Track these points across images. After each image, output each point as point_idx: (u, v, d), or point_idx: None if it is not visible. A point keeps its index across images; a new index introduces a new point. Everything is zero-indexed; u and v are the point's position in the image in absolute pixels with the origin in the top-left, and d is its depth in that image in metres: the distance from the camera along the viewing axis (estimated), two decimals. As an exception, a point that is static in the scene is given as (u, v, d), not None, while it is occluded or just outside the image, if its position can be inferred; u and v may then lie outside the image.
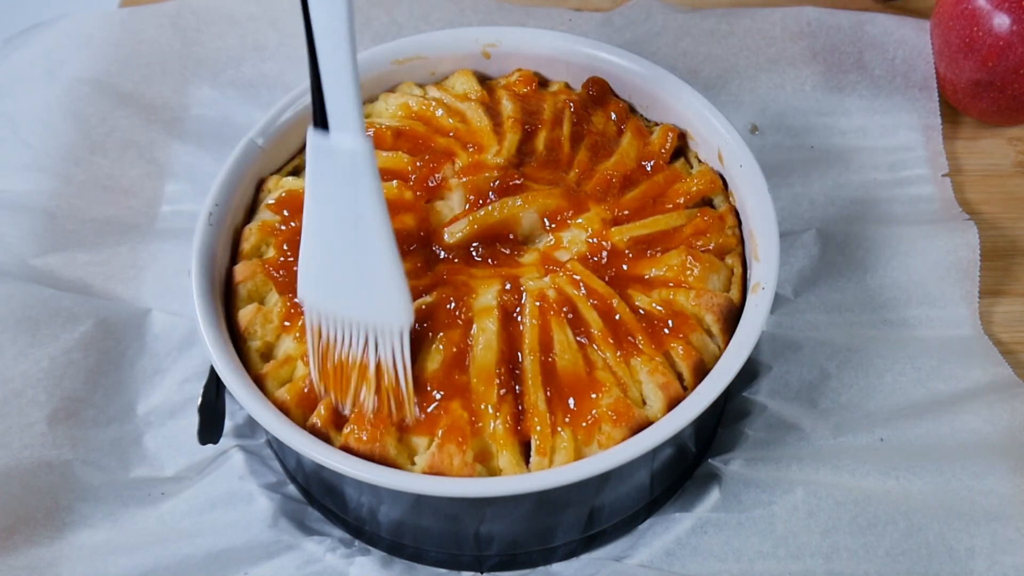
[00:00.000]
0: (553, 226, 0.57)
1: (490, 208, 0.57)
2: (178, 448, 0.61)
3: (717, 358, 0.54)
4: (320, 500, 0.59)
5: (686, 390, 0.53)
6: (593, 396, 0.52)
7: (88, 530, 0.58)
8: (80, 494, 0.59)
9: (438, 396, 0.51)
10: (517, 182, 0.58)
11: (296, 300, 0.51)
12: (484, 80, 0.66)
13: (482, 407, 0.51)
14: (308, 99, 0.63)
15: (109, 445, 0.61)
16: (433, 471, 0.50)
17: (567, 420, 0.51)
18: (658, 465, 0.56)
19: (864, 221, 0.70)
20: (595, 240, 0.56)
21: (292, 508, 0.59)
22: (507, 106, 0.63)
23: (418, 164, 0.60)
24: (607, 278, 0.56)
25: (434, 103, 0.63)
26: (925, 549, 0.56)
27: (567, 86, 0.66)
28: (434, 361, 0.52)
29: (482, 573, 0.57)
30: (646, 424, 0.52)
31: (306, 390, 0.53)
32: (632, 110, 0.65)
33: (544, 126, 0.62)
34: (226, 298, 0.58)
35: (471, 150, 0.60)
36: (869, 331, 0.65)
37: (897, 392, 0.62)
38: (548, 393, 0.52)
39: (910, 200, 0.72)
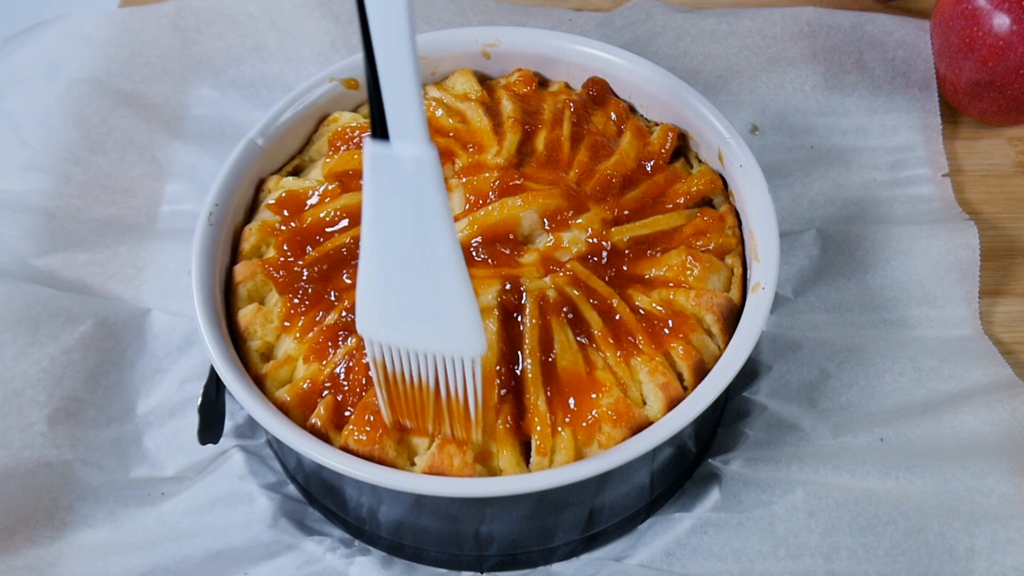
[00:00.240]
0: (553, 226, 0.57)
1: (490, 208, 0.57)
2: (178, 448, 0.61)
3: (717, 358, 0.54)
4: (320, 500, 0.59)
5: (686, 390, 0.53)
6: (593, 396, 0.52)
7: (88, 530, 0.58)
8: (80, 494, 0.59)
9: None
10: (517, 182, 0.58)
11: (359, 333, 0.47)
12: (484, 80, 0.66)
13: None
14: (308, 99, 0.64)
15: (109, 445, 0.61)
16: (433, 471, 0.50)
17: (567, 420, 0.51)
18: (658, 465, 0.56)
19: (864, 221, 0.70)
20: (595, 240, 0.56)
21: (292, 508, 0.59)
22: (507, 106, 0.63)
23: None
24: (607, 278, 0.56)
25: (434, 103, 0.63)
26: (925, 549, 0.56)
27: (567, 86, 0.66)
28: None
29: (482, 573, 0.57)
30: (646, 424, 0.52)
31: (306, 386, 0.53)
32: (632, 110, 0.65)
33: (544, 126, 0.62)
34: (226, 298, 0.58)
35: (471, 150, 0.60)
36: (869, 331, 0.65)
37: (897, 392, 0.62)
38: (548, 393, 0.52)
39: (910, 200, 0.72)
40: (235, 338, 0.56)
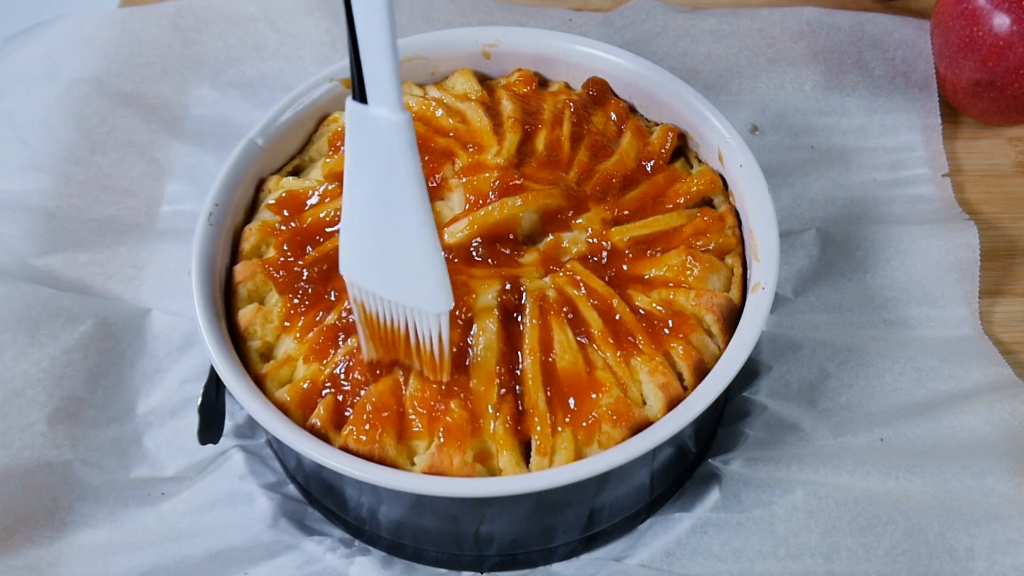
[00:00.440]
0: (553, 226, 0.57)
1: (490, 208, 0.57)
2: (178, 448, 0.61)
3: (717, 358, 0.54)
4: (320, 500, 0.59)
5: (686, 390, 0.53)
6: (593, 396, 0.52)
7: (88, 530, 0.58)
8: (80, 494, 0.59)
9: (438, 396, 0.51)
10: (517, 182, 0.58)
11: (340, 273, 0.50)
12: (484, 80, 0.66)
13: (482, 407, 0.51)
14: (308, 99, 0.64)
15: (109, 445, 0.61)
16: (433, 471, 0.50)
17: (567, 420, 0.51)
18: (658, 465, 0.56)
19: (864, 221, 0.70)
20: (595, 240, 0.56)
21: (292, 508, 0.59)
22: (507, 106, 0.63)
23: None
24: (607, 278, 0.56)
25: (434, 103, 0.63)
26: (925, 549, 0.56)
27: (567, 86, 0.66)
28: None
29: (482, 573, 0.57)
30: (646, 424, 0.52)
31: (306, 386, 0.53)
32: (632, 110, 0.65)
33: (544, 126, 0.62)
34: (226, 298, 0.58)
35: (471, 150, 0.60)
36: (869, 331, 0.65)
37: (897, 392, 0.62)
38: (548, 393, 0.52)
39: (910, 200, 0.72)
40: (235, 338, 0.56)
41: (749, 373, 0.64)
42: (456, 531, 0.55)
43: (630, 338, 0.54)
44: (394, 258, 0.47)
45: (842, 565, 0.56)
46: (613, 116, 0.63)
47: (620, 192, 0.59)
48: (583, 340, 0.54)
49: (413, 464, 0.52)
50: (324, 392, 0.53)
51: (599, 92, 0.65)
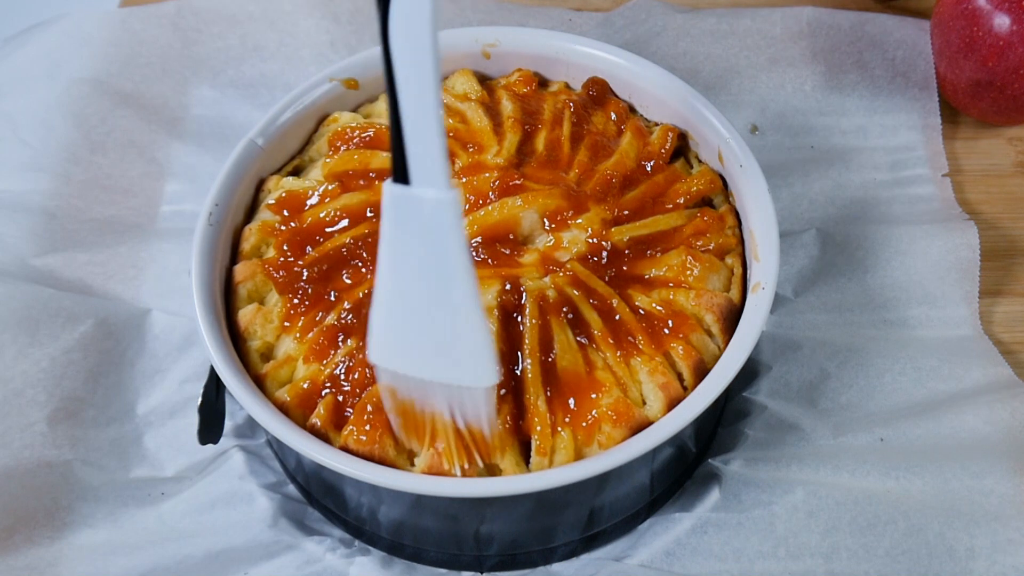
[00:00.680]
0: (553, 226, 0.57)
1: (490, 208, 0.57)
2: (178, 448, 0.61)
3: (717, 358, 0.54)
4: (320, 500, 0.59)
5: (686, 390, 0.53)
6: (593, 396, 0.52)
7: (88, 530, 0.58)
8: (80, 494, 0.59)
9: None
10: (517, 182, 0.58)
11: (368, 360, 0.49)
12: (484, 80, 0.66)
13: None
14: (308, 99, 0.64)
15: (109, 445, 0.61)
16: (433, 471, 0.50)
17: (567, 420, 0.51)
18: (658, 465, 0.56)
19: (864, 221, 0.70)
20: (595, 240, 0.56)
21: (292, 508, 0.59)
22: (507, 106, 0.63)
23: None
24: (607, 278, 0.56)
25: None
26: (925, 549, 0.56)
27: (567, 86, 0.66)
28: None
29: (482, 573, 0.57)
30: (646, 424, 0.52)
31: (306, 386, 0.53)
32: (632, 110, 0.65)
33: (544, 126, 0.62)
34: (226, 298, 0.58)
35: (471, 150, 0.60)
36: (869, 331, 0.65)
37: (897, 392, 0.62)
38: (548, 393, 0.52)
39: (910, 200, 0.72)
40: (235, 338, 0.56)
41: (749, 373, 0.64)
42: (456, 531, 0.55)
43: (630, 338, 0.54)
44: (437, 336, 0.46)
45: (842, 565, 0.56)
46: (613, 116, 0.63)
47: (620, 192, 0.59)
48: (583, 340, 0.54)
49: (413, 464, 0.52)
50: (324, 392, 0.53)
51: (599, 92, 0.65)
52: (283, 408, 0.53)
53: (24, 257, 0.67)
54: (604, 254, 0.56)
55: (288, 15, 0.80)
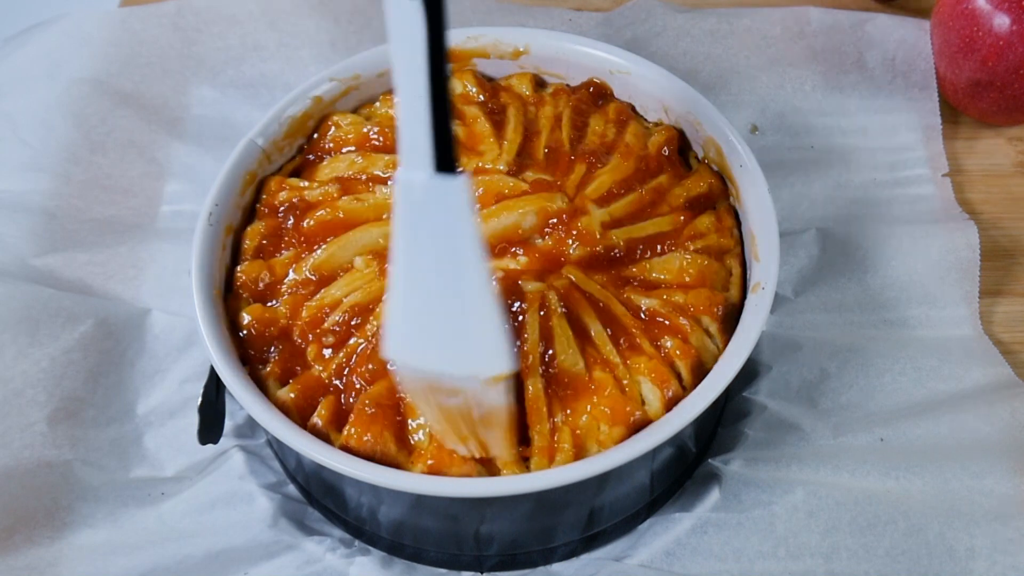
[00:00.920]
0: (553, 227, 0.57)
1: (490, 210, 0.57)
2: (178, 448, 0.61)
3: (716, 358, 0.54)
4: (320, 500, 0.59)
5: (685, 390, 0.53)
6: (593, 396, 0.52)
7: (88, 530, 0.58)
8: (80, 494, 0.59)
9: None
10: (517, 183, 0.58)
11: (386, 356, 0.48)
12: (484, 80, 0.66)
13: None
14: (308, 99, 0.63)
15: (109, 445, 0.61)
16: (433, 471, 0.50)
17: (566, 420, 0.51)
18: (658, 465, 0.56)
19: (864, 221, 0.70)
20: (594, 241, 0.56)
21: (292, 508, 0.59)
22: (507, 107, 0.63)
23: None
24: (606, 279, 0.56)
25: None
26: (925, 549, 0.56)
27: (567, 86, 0.66)
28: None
29: (482, 573, 0.57)
30: (646, 424, 0.52)
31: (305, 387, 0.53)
32: (632, 110, 0.65)
33: (544, 127, 0.62)
34: (226, 298, 0.58)
35: (471, 152, 0.60)
36: (869, 331, 0.65)
37: (897, 392, 0.62)
38: (548, 393, 0.52)
39: (910, 200, 0.72)
40: (235, 338, 0.56)
41: (749, 373, 0.64)
42: (456, 531, 0.55)
43: (629, 338, 0.54)
44: (450, 327, 0.46)
45: (842, 565, 0.55)
46: (613, 117, 0.63)
47: (619, 193, 0.59)
48: (582, 341, 0.54)
49: (413, 464, 0.52)
50: (324, 392, 0.53)
51: (599, 92, 0.65)
52: (283, 408, 0.53)
53: (24, 257, 0.67)
54: (603, 256, 0.56)
55: (288, 15, 0.80)
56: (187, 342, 0.65)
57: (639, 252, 0.57)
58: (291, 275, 0.57)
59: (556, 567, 0.57)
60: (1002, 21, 0.69)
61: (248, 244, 0.59)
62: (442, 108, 0.41)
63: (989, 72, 0.71)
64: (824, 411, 0.62)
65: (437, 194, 0.43)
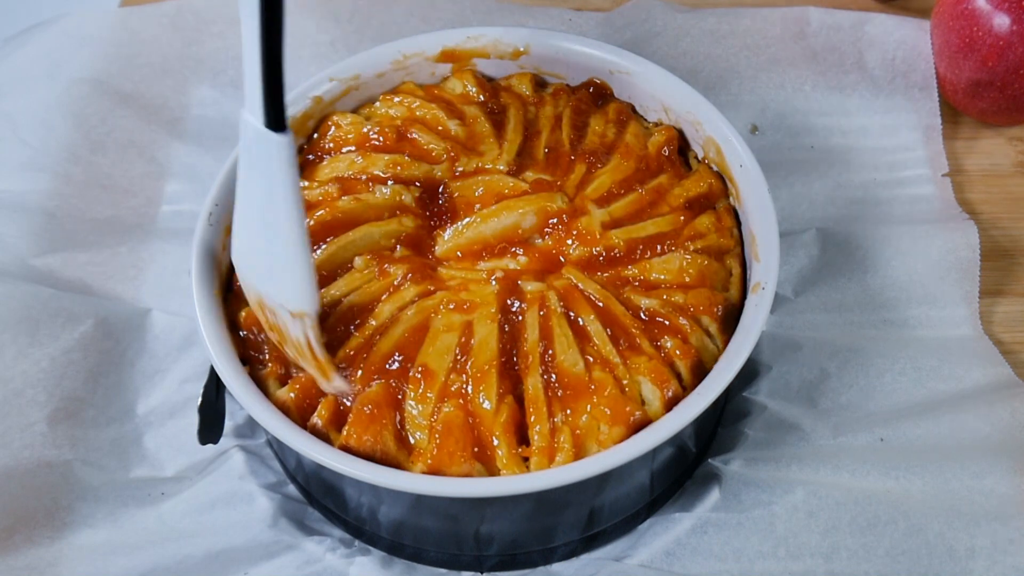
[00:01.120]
0: (553, 228, 0.57)
1: (490, 210, 0.57)
2: (178, 448, 0.61)
3: (716, 358, 0.54)
4: (320, 500, 0.59)
5: (685, 390, 0.53)
6: (592, 396, 0.52)
7: (88, 530, 0.58)
8: (80, 494, 0.59)
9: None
10: (517, 184, 0.58)
11: (232, 259, 0.54)
12: (484, 80, 0.66)
13: (482, 408, 0.51)
14: (308, 99, 0.64)
15: (109, 445, 0.61)
16: (432, 471, 0.50)
17: (566, 420, 0.51)
18: (658, 465, 0.56)
19: (864, 221, 0.70)
20: (594, 242, 0.56)
21: (292, 508, 0.59)
22: (507, 107, 0.63)
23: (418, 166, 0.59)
24: (606, 279, 0.56)
25: (434, 105, 0.63)
26: (925, 549, 0.56)
27: (567, 86, 0.66)
28: (434, 362, 0.52)
29: (482, 573, 0.57)
30: (645, 424, 0.52)
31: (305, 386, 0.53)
32: (632, 110, 0.65)
33: (544, 127, 0.62)
34: (226, 298, 0.58)
35: (471, 152, 0.60)
36: (869, 331, 0.65)
37: (897, 392, 0.62)
38: (548, 393, 0.52)
39: (910, 200, 0.72)
40: (235, 338, 0.56)
41: (749, 373, 0.64)
42: (456, 531, 0.55)
43: (628, 339, 0.54)
44: (269, 260, 0.51)
45: (842, 565, 0.56)
46: (613, 116, 0.63)
47: (619, 193, 0.59)
48: (582, 340, 0.54)
49: (413, 464, 0.52)
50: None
51: (599, 93, 0.65)
52: (283, 408, 0.53)
53: (24, 257, 0.67)
54: (603, 255, 0.56)
55: (288, 15, 0.80)
56: (187, 342, 0.65)
57: (639, 252, 0.57)
58: None
59: (556, 567, 0.57)
60: (1002, 21, 0.69)
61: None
62: (273, 70, 0.45)
63: (989, 72, 0.71)
64: (824, 411, 0.62)
65: (264, 147, 0.47)
